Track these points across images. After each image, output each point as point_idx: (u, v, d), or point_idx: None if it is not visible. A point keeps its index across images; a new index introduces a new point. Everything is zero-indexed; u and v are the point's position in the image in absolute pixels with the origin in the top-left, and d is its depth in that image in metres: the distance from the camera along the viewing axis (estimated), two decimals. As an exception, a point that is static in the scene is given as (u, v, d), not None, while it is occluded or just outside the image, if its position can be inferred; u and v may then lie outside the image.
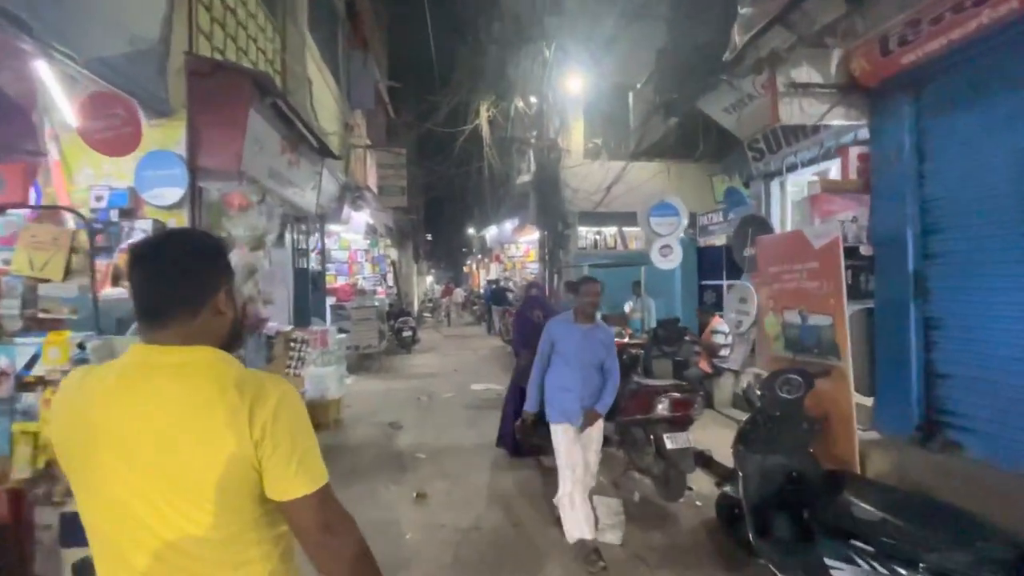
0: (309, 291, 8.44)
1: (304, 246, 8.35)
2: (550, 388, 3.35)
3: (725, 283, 12.90)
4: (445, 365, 10.31)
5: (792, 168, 6.01)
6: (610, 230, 14.04)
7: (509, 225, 18.08)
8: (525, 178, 14.10)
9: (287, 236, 6.72)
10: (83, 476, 0.92)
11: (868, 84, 3.86)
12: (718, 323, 6.38)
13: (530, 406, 3.45)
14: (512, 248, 17.95)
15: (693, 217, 13.46)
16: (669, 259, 6.61)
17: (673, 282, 12.51)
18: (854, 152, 4.35)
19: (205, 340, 0.95)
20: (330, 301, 10.36)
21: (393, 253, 19.07)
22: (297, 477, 0.90)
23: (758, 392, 3.07)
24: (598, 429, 3.42)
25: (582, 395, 3.24)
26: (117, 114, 3.48)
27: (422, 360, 10.97)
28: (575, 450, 3.25)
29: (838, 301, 3.45)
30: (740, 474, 2.87)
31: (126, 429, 0.88)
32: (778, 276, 4.17)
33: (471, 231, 31.80)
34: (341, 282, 11.03)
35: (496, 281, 16.59)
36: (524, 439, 4.36)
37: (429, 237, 41.92)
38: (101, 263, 3.22)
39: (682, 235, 7.08)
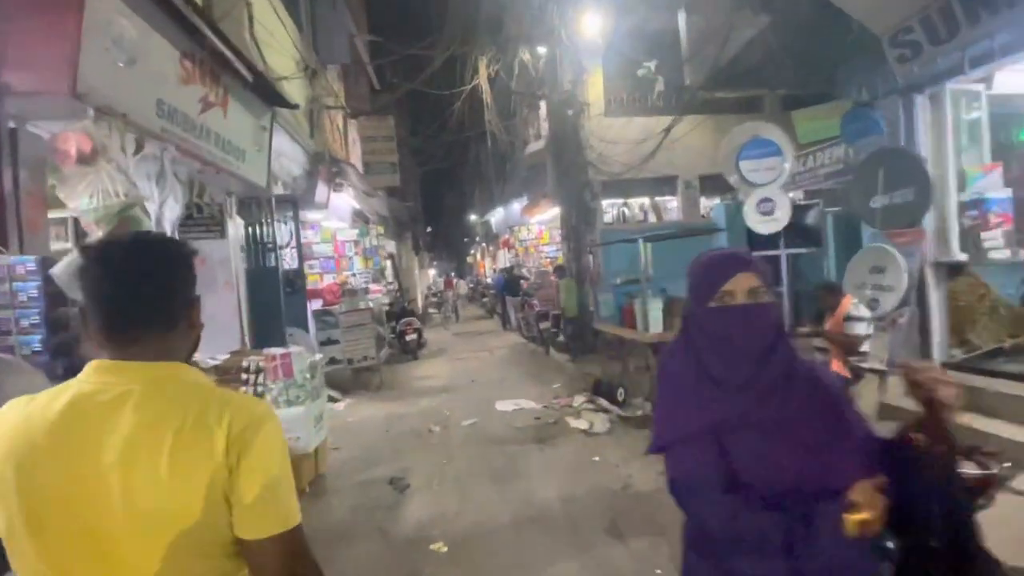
0: (280, 296, 6.58)
1: (268, 238, 6.47)
2: None
3: (783, 253, 11.04)
4: (459, 374, 8.46)
5: (952, 73, 4.06)
6: (638, 201, 12.10)
7: (517, 205, 16.13)
8: (536, 146, 12.10)
9: (230, 223, 4.82)
10: (32, 535, 0.78)
11: None
12: (851, 306, 4.44)
13: None
14: (523, 231, 16.00)
15: None
16: (773, 219, 4.69)
17: None
18: None
19: (176, 355, 0.89)
20: (314, 305, 8.52)
21: (391, 245, 17.19)
22: (267, 512, 0.81)
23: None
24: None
25: None
26: None
27: (431, 368, 9.12)
28: None
29: None
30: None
31: (88, 460, 0.78)
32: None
33: (473, 218, 29.85)
34: (328, 281, 9.16)
35: (509, 268, 14.64)
36: None
37: (429, 229, 40.20)
38: None
39: (775, 187, 5.10)
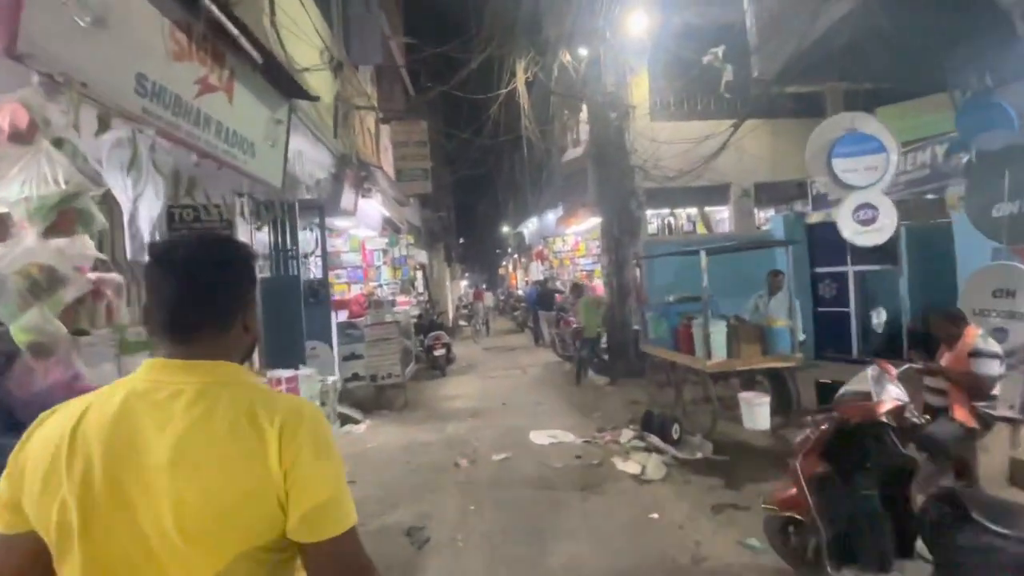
0: (302, 307, 6.13)
1: (290, 245, 6.05)
2: None
3: (851, 270, 9.87)
4: (489, 394, 7.80)
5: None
6: (685, 211, 11.25)
7: (552, 216, 15.51)
8: (574, 153, 11.48)
9: (243, 226, 4.35)
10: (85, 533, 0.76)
11: None
12: (978, 339, 3.52)
13: None
14: (557, 242, 15.32)
15: (802, 186, 10.55)
16: (875, 229, 3.85)
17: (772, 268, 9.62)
18: None
19: (229, 357, 0.89)
20: (341, 316, 8.09)
21: (422, 256, 16.83)
22: (325, 515, 0.81)
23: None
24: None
25: None
26: None
27: (460, 387, 8.50)
28: None
29: None
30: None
31: (138, 460, 0.78)
32: None
33: (506, 229, 29.39)
34: (356, 292, 8.73)
35: (543, 281, 13.94)
36: None
37: (461, 240, 40.07)
38: None
39: (877, 190, 4.24)
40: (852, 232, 4.08)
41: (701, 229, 10.91)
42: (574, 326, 8.93)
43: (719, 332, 4.96)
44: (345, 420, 6.24)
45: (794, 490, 2.45)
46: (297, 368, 4.68)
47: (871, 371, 2.65)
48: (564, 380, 8.50)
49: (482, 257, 45.52)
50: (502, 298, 28.22)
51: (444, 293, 21.98)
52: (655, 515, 3.61)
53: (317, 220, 6.82)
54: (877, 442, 2.42)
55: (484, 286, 36.14)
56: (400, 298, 8.51)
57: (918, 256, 8.74)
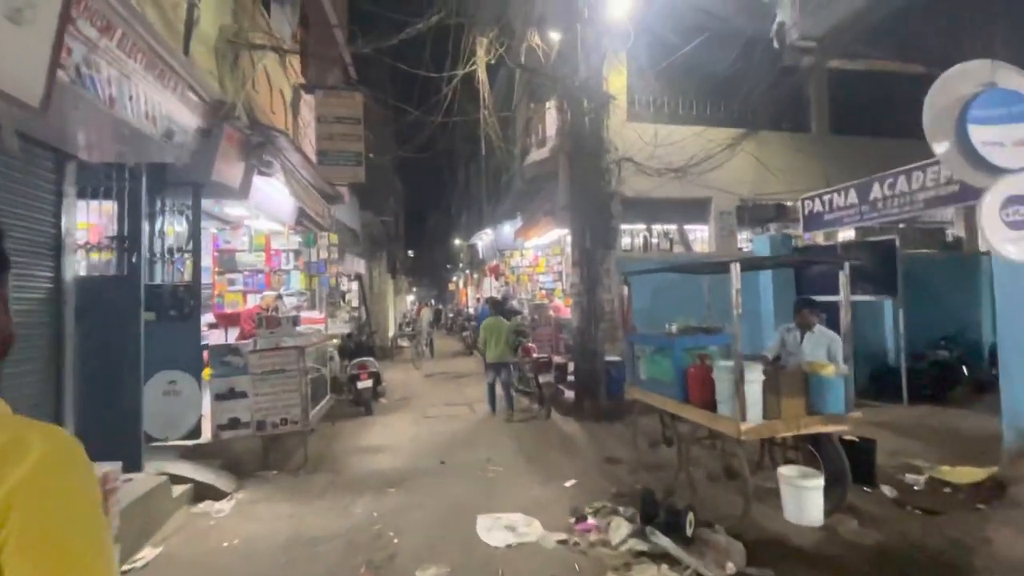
0: (140, 324, 4.15)
1: (125, 230, 4.09)
2: None
3: (844, 300, 9.00)
4: (424, 445, 5.96)
5: None
6: (660, 228, 10.02)
7: (509, 227, 13.96)
8: (539, 154, 10.00)
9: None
10: None
11: None
12: None
13: None
14: (515, 256, 13.75)
15: (782, 208, 9.57)
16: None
17: (758, 298, 8.48)
18: None
19: None
20: (230, 336, 6.07)
21: (360, 264, 14.73)
22: None
23: None
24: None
25: None
26: None
27: (386, 433, 6.59)
28: None
29: None
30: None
31: None
32: None
33: (457, 242, 27.60)
34: (254, 304, 6.66)
35: (500, 300, 12.20)
36: None
37: (411, 254, 37.81)
38: None
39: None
40: (1000, 239, 2.73)
41: (680, 247, 9.69)
42: (535, 355, 7.29)
43: (755, 381, 3.47)
44: (201, 494, 4.22)
45: None
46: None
47: None
48: (524, 424, 6.80)
49: (432, 271, 43.35)
50: (451, 315, 26.22)
51: (385, 309, 19.79)
52: None
53: (189, 201, 4.85)
54: None
55: (433, 301, 33.97)
56: (310, 314, 6.51)
57: (917, 288, 7.89)
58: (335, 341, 10.08)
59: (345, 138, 7.12)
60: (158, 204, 4.69)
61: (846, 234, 8.88)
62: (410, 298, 32.85)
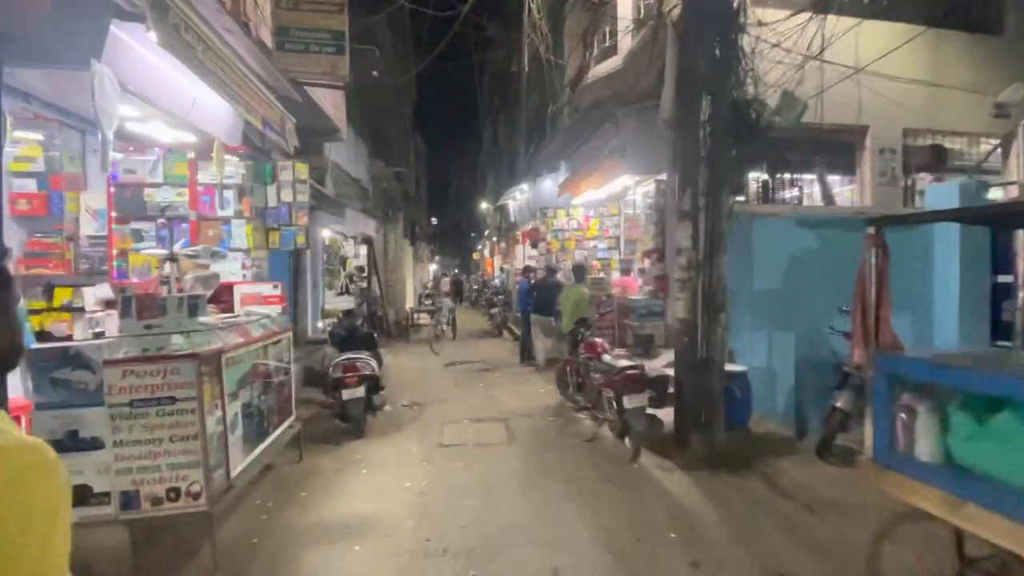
0: None
1: None
2: None
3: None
4: (437, 521, 3.45)
5: None
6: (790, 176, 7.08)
7: (551, 182, 11.17)
8: (607, 66, 7.08)
9: None
10: None
11: None
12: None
13: None
14: (560, 216, 10.97)
15: (939, 151, 6.53)
16: None
17: (928, 275, 5.54)
18: None
19: None
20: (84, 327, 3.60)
21: (370, 226, 12.22)
22: None
23: None
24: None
25: None
26: None
27: (378, 483, 4.12)
28: None
29: None
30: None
31: None
32: None
33: (484, 206, 24.80)
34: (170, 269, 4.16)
35: (546, 271, 9.32)
36: None
37: (435, 221, 35.31)
38: None
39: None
40: None
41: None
42: (621, 365, 4.64)
43: None
44: None
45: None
46: None
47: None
48: (592, 468, 4.23)
49: (456, 239, 40.80)
50: (475, 288, 23.68)
51: (402, 279, 17.38)
52: None
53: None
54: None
55: (458, 271, 31.51)
56: (257, 288, 3.90)
57: None
58: (326, 321, 7.67)
59: (315, 11, 4.45)
60: None
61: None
62: (432, 267, 30.49)
